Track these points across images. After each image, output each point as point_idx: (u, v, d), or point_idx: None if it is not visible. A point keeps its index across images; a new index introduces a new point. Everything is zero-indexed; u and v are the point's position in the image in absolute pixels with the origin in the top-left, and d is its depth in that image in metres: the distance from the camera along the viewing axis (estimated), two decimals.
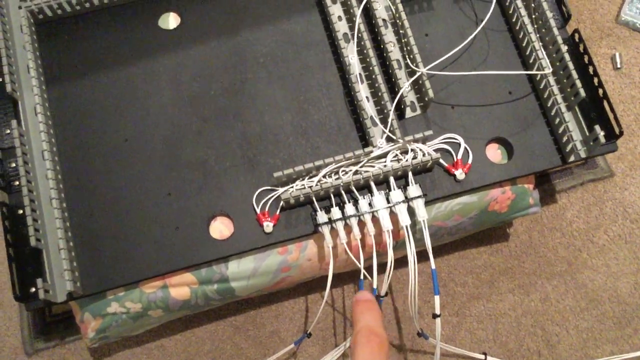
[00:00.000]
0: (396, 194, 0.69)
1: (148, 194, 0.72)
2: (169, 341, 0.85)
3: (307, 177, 0.71)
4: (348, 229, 0.70)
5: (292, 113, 0.75)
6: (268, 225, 0.70)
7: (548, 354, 0.87)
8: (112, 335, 0.73)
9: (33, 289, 0.66)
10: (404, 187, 0.71)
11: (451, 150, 0.73)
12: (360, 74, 0.73)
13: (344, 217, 0.68)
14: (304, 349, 0.86)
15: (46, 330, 0.83)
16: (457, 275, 0.91)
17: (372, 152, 0.70)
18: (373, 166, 0.71)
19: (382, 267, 0.69)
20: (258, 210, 0.71)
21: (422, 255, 0.81)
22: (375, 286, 0.68)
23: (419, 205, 0.69)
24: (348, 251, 0.68)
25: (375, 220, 0.69)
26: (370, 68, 0.73)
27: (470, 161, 0.73)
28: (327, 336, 0.86)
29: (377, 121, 0.71)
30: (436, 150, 0.72)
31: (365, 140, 0.74)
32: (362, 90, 0.72)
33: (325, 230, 0.69)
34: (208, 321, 0.86)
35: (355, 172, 0.70)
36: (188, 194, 0.72)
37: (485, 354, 0.84)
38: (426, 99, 0.72)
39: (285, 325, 0.87)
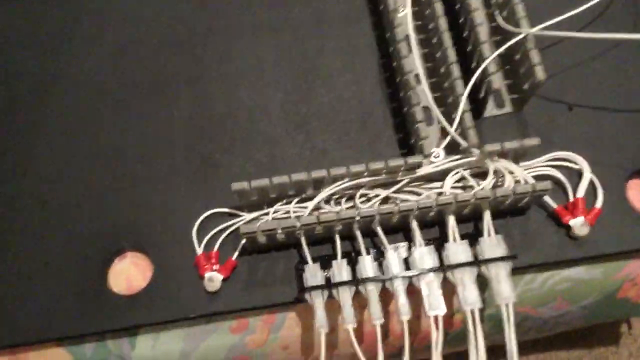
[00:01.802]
0: (457, 249, 0.38)
1: (10, 199, 0.43)
2: None
3: (295, 200, 0.40)
4: (360, 301, 0.39)
5: (287, 89, 0.45)
6: (213, 279, 0.40)
7: None
8: None
9: None
10: (470, 237, 0.40)
11: (563, 181, 0.42)
12: (412, 35, 0.43)
13: (356, 281, 0.38)
14: None
15: None
16: None
17: (419, 165, 0.39)
18: (418, 194, 0.40)
19: None
20: (200, 249, 0.41)
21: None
22: None
23: (500, 274, 0.38)
24: (355, 344, 0.37)
25: (412, 291, 0.38)
26: (430, 26, 0.44)
27: (599, 205, 0.41)
28: None
29: (437, 113, 0.41)
30: (537, 179, 0.41)
31: (408, 147, 0.44)
32: (415, 60, 0.42)
33: (318, 300, 0.38)
34: None
35: (386, 200, 0.40)
36: (80, 204, 0.42)
37: None
38: (526, 86, 0.42)
39: None
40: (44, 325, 0.40)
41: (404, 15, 0.44)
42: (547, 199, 0.41)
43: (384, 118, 0.44)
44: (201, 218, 0.41)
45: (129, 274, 0.41)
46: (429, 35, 0.44)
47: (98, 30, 0.47)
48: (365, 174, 0.38)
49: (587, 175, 0.41)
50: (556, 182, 0.42)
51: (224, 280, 0.40)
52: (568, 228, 0.41)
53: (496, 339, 0.47)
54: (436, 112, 0.40)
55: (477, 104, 0.44)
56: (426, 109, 0.43)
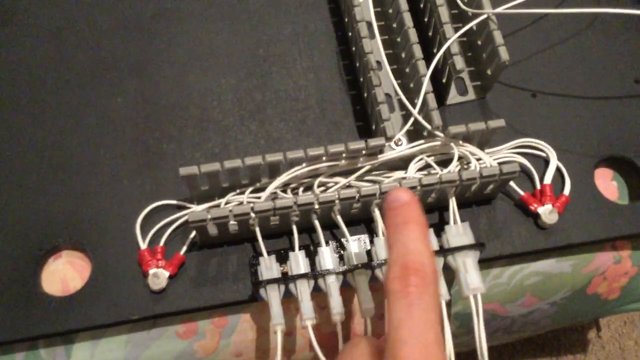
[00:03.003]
0: None
1: None
2: None
3: (249, 190, 0.38)
4: (320, 299, 0.37)
5: (241, 76, 0.43)
6: (158, 275, 0.37)
7: None
8: None
9: None
10: (435, 227, 0.38)
11: (530, 168, 0.41)
12: (372, 16, 0.41)
13: (314, 274, 0.35)
14: None
15: None
16: None
17: (381, 150, 0.38)
18: (379, 181, 0.39)
19: None
20: (144, 244, 0.38)
21: None
22: None
23: (467, 264, 0.36)
24: (314, 342, 0.35)
25: (376, 286, 0.36)
26: (390, 10, 0.43)
27: (567, 192, 0.41)
28: None
29: (400, 94, 0.40)
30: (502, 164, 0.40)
31: (370, 135, 0.42)
32: (375, 41, 0.40)
33: (274, 294, 0.35)
34: None
35: (347, 187, 0.38)
36: (11, 196, 0.39)
37: None
38: (489, 70, 0.41)
39: None
40: None
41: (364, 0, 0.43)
42: (514, 186, 0.40)
43: (343, 106, 0.42)
44: (146, 211, 0.38)
45: (65, 274, 0.38)
46: (389, 21, 0.43)
47: (37, 13, 0.44)
48: (324, 158, 0.36)
49: (554, 162, 0.41)
50: (522, 170, 0.41)
51: (170, 277, 0.37)
52: (536, 217, 0.40)
53: (463, 342, 0.45)
54: (399, 93, 0.38)
55: (439, 92, 0.43)
56: (387, 96, 0.42)
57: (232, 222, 0.35)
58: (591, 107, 0.43)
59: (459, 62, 0.38)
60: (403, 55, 0.41)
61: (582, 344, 0.60)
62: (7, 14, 0.44)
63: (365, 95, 0.41)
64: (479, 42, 0.42)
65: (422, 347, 0.24)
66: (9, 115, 0.41)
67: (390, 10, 0.43)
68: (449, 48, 0.39)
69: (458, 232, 0.37)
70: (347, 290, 0.36)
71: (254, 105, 0.42)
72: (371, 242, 0.39)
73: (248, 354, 0.40)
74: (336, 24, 0.45)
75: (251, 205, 0.34)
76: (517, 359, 0.59)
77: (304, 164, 0.37)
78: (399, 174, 0.39)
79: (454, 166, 0.38)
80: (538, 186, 0.40)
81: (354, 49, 0.43)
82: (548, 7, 0.45)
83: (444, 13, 0.40)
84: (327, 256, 0.36)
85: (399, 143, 0.40)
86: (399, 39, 0.42)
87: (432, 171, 0.39)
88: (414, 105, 0.38)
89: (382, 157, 0.38)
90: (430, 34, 0.43)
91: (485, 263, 0.40)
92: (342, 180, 0.38)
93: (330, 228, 0.39)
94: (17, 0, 0.45)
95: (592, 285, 0.43)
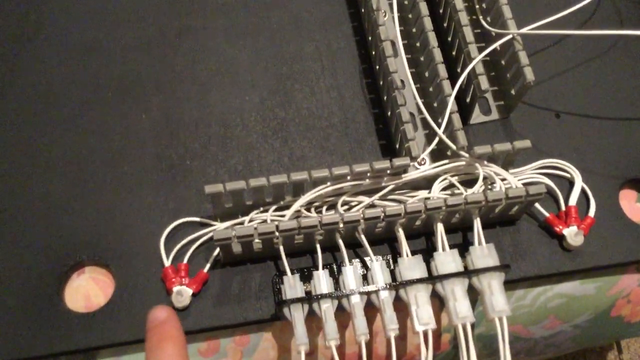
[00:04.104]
0: (447, 258, 0.37)
1: None
2: None
3: (273, 208, 0.38)
4: (343, 318, 0.37)
5: (264, 94, 0.44)
6: (182, 293, 0.37)
7: None
8: None
9: None
10: (460, 248, 0.38)
11: (555, 189, 0.41)
12: (398, 35, 0.42)
13: (338, 295, 0.35)
14: None
15: None
16: None
17: (405, 170, 0.38)
18: (403, 200, 0.39)
19: None
20: (167, 261, 0.38)
21: None
22: None
23: (492, 285, 0.36)
24: None
25: (399, 306, 0.36)
26: (414, 30, 0.43)
27: (592, 213, 0.40)
28: None
29: (425, 113, 0.40)
30: (527, 185, 0.40)
31: (391, 155, 0.42)
32: (401, 60, 0.41)
33: (298, 314, 0.35)
34: None
35: (371, 207, 0.38)
36: (35, 212, 0.39)
37: None
38: (514, 90, 0.41)
39: None
40: None
41: (389, 18, 0.43)
42: (539, 207, 0.40)
43: (366, 124, 0.43)
44: (170, 228, 0.39)
45: (88, 290, 0.38)
46: (413, 40, 0.44)
47: (63, 29, 0.45)
48: (349, 177, 0.37)
49: (579, 183, 0.41)
50: (547, 191, 0.41)
51: (193, 295, 0.37)
52: (560, 239, 0.40)
53: None
54: (424, 113, 0.39)
55: (462, 112, 0.43)
56: (411, 115, 0.42)
57: (256, 242, 0.36)
58: (615, 127, 0.43)
59: (484, 82, 0.39)
60: (427, 74, 0.42)
61: None
62: (32, 30, 0.45)
63: (389, 114, 0.42)
64: (503, 62, 0.42)
65: None
66: (34, 131, 0.42)
67: (414, 30, 0.43)
68: (473, 68, 0.39)
69: (483, 253, 0.37)
70: (370, 309, 0.36)
71: (276, 122, 0.43)
72: (395, 262, 0.39)
73: None
74: (359, 42, 0.45)
75: (276, 224, 0.35)
76: None
77: (328, 183, 0.37)
78: (422, 193, 0.39)
79: (479, 187, 0.38)
80: (563, 207, 0.40)
81: (377, 67, 0.43)
82: (572, 27, 0.45)
83: (468, 33, 0.40)
84: (350, 276, 0.36)
85: (422, 162, 0.40)
86: (422, 58, 0.42)
87: (456, 191, 0.39)
88: (437, 125, 0.38)
89: (406, 177, 0.38)
90: (453, 53, 0.43)
91: (509, 284, 0.40)
92: (366, 200, 0.38)
93: (354, 247, 0.39)
94: (43, 17, 0.45)
95: (615, 308, 0.43)
